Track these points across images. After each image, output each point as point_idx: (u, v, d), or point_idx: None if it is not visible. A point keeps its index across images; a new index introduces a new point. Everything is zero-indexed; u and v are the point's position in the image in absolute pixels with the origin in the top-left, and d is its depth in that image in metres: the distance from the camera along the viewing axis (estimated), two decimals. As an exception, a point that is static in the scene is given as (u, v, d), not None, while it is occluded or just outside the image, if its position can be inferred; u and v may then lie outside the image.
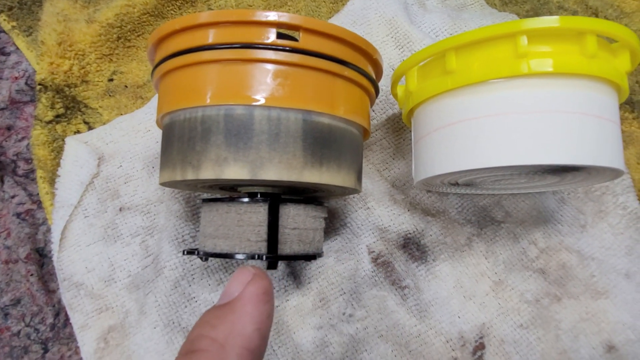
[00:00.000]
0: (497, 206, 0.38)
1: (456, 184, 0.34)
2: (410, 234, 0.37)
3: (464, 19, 0.43)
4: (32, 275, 0.37)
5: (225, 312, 0.20)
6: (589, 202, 0.38)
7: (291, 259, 0.28)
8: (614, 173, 0.29)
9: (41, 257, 0.38)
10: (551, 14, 0.45)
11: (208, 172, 0.25)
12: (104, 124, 0.41)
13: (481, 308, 0.35)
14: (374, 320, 0.35)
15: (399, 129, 0.40)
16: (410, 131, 0.40)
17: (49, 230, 0.39)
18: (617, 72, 0.27)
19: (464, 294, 0.36)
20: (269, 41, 0.25)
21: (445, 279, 0.36)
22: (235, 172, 0.25)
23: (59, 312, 0.37)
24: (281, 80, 0.25)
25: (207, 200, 0.29)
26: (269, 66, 0.25)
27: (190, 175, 0.26)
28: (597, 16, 0.45)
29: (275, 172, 0.25)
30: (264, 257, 0.27)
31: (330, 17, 0.45)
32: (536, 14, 0.46)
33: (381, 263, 0.36)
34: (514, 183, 0.34)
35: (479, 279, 0.36)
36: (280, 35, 0.26)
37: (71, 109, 0.41)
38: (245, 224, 0.27)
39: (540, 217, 0.37)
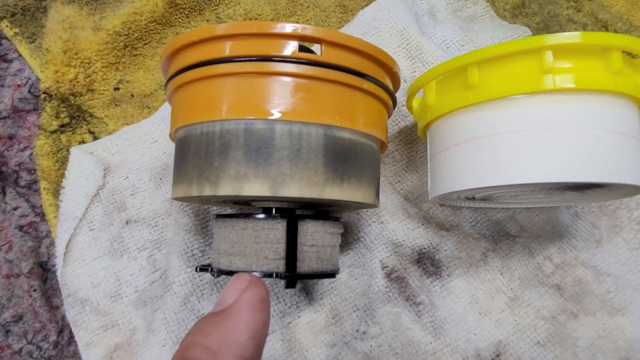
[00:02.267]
0: (512, 220, 0.37)
1: (472, 199, 0.34)
2: (424, 248, 0.36)
3: (475, 31, 0.43)
4: (34, 290, 0.36)
5: (220, 320, 0.19)
6: (603, 216, 0.37)
7: (310, 277, 0.27)
8: (635, 189, 0.28)
9: (44, 271, 0.37)
10: (561, 26, 0.45)
11: (227, 189, 0.24)
12: (110, 134, 0.40)
13: (497, 325, 0.34)
14: (388, 337, 0.34)
15: (412, 141, 0.39)
16: (424, 144, 0.39)
17: (52, 243, 0.37)
18: (640, 88, 0.27)
19: (479, 310, 0.35)
20: (290, 54, 0.24)
21: (461, 295, 0.35)
22: (255, 188, 0.24)
23: (63, 329, 0.36)
24: (303, 94, 0.25)
25: (221, 216, 0.29)
26: (291, 80, 0.25)
27: (207, 192, 0.25)
28: (606, 29, 0.45)
29: (296, 189, 0.24)
30: (282, 276, 0.26)
31: (340, 27, 0.44)
32: (546, 26, 0.46)
33: (395, 278, 0.36)
34: (532, 198, 0.33)
35: (495, 295, 0.35)
36: (302, 45, 0.25)
37: (76, 118, 0.40)
38: (263, 241, 0.27)
39: (555, 232, 0.37)
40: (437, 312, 0.35)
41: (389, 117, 0.32)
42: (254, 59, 0.24)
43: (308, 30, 0.24)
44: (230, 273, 0.27)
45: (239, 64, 0.25)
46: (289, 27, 0.24)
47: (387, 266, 0.36)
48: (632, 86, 0.26)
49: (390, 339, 0.34)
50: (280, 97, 0.24)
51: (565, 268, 0.36)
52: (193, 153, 0.26)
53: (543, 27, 0.45)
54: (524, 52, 0.26)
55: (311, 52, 0.28)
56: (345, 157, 0.26)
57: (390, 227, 0.36)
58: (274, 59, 0.24)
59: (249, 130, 0.24)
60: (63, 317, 0.36)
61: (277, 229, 0.27)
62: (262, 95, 0.24)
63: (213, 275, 0.29)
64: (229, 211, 0.37)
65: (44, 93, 0.39)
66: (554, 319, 0.34)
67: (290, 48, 0.24)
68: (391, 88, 0.30)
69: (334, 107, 0.25)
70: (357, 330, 0.34)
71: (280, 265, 0.26)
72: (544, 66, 0.25)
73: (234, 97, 0.25)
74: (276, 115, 0.24)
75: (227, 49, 0.25)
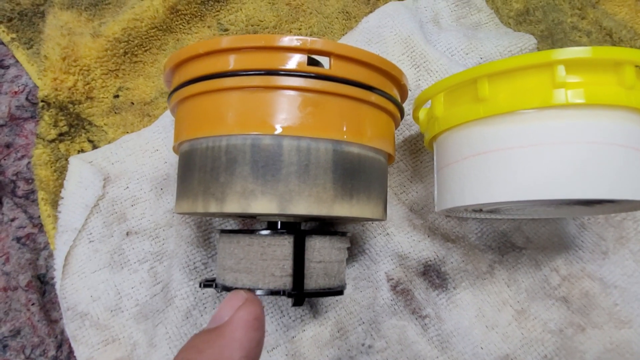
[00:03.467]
0: (518, 231, 0.37)
1: (480, 210, 0.33)
2: (430, 261, 0.36)
3: (480, 39, 0.43)
4: (32, 304, 0.35)
5: (214, 337, 0.19)
6: (609, 227, 0.37)
7: (318, 295, 0.27)
8: (646, 204, 0.28)
9: (43, 284, 0.36)
10: (565, 34, 0.45)
11: (233, 206, 0.24)
12: (110, 142, 0.39)
13: (504, 338, 0.34)
14: (394, 351, 0.33)
15: (417, 150, 0.39)
16: (429, 153, 0.39)
17: (51, 255, 0.37)
18: (652, 102, 0.26)
19: (486, 324, 0.34)
20: (297, 67, 0.24)
21: (467, 308, 0.35)
22: (263, 206, 0.23)
23: (62, 343, 0.35)
24: (311, 109, 0.24)
25: (225, 232, 0.28)
26: (298, 94, 0.24)
27: (213, 208, 0.24)
28: (611, 37, 0.45)
29: (305, 206, 0.24)
30: (290, 294, 0.25)
31: (343, 35, 0.44)
32: (550, 33, 0.45)
33: (400, 291, 0.35)
34: (539, 210, 0.33)
35: (501, 308, 0.35)
36: (310, 59, 0.25)
37: (75, 126, 0.39)
38: (269, 258, 0.26)
39: (561, 243, 0.37)
40: (443, 326, 0.34)
41: (396, 129, 0.32)
42: (261, 72, 0.24)
43: (317, 43, 0.24)
44: (236, 290, 0.27)
45: (245, 78, 0.24)
46: (296, 41, 0.24)
47: (393, 278, 0.35)
48: (644, 101, 0.26)
49: (396, 353, 0.33)
50: (287, 112, 0.24)
51: (572, 280, 0.35)
52: (198, 168, 0.25)
53: (547, 35, 0.45)
54: (535, 66, 0.26)
55: (318, 63, 0.27)
56: (354, 172, 0.25)
57: (396, 239, 0.36)
58: (282, 72, 0.24)
59: (256, 145, 0.24)
60: (62, 332, 0.35)
61: (284, 246, 0.26)
62: (269, 110, 0.24)
63: (218, 291, 0.28)
64: (231, 222, 0.36)
65: (42, 101, 0.38)
66: (561, 332, 0.34)
67: (298, 61, 0.24)
68: (399, 100, 0.30)
69: (343, 121, 0.25)
70: (363, 344, 0.34)
71: (287, 283, 0.26)
72: (555, 81, 0.25)
73: (240, 111, 0.24)
74: (284, 130, 0.24)
75: (233, 62, 0.24)
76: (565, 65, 0.25)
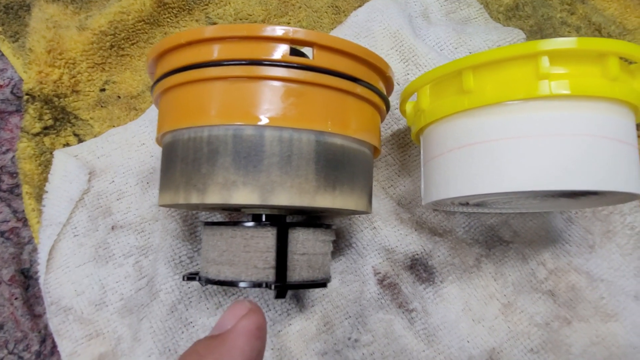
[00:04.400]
0: (505, 225, 0.37)
1: (466, 204, 0.33)
2: (417, 254, 0.36)
3: (469, 33, 0.42)
4: (16, 298, 0.35)
5: (216, 344, 0.19)
6: (596, 221, 0.37)
7: (301, 287, 0.26)
8: (630, 196, 0.28)
9: (26, 279, 0.36)
10: (555, 29, 0.45)
11: (215, 197, 0.23)
12: (96, 136, 0.38)
13: (490, 332, 0.34)
14: (380, 345, 0.33)
15: (405, 144, 0.39)
16: (417, 147, 0.39)
17: (35, 250, 0.36)
18: (636, 94, 0.26)
19: (472, 317, 0.34)
20: (281, 57, 0.24)
21: (454, 302, 0.35)
22: (244, 197, 0.23)
23: (46, 338, 0.34)
24: (294, 100, 0.24)
25: (209, 224, 0.28)
26: (281, 84, 0.24)
27: (195, 199, 0.24)
28: (600, 32, 0.45)
29: (286, 197, 0.23)
30: (272, 286, 0.25)
31: (332, 29, 0.43)
32: (540, 29, 0.45)
33: (387, 285, 0.35)
34: (526, 204, 0.33)
35: (488, 302, 0.35)
36: (293, 49, 0.24)
37: (60, 120, 0.38)
38: (252, 250, 0.26)
39: (549, 237, 0.37)
40: (430, 319, 0.34)
41: (382, 121, 0.32)
42: (244, 62, 0.24)
43: (300, 33, 0.24)
44: (219, 283, 0.26)
45: (227, 68, 0.24)
46: (279, 30, 0.23)
47: (380, 272, 0.35)
48: (628, 92, 0.26)
49: (383, 346, 0.33)
50: (270, 103, 0.24)
51: (559, 274, 0.35)
52: (180, 159, 0.25)
53: (537, 30, 0.45)
54: (519, 57, 0.25)
55: (303, 54, 0.27)
56: (338, 163, 0.25)
57: (383, 233, 0.36)
58: (264, 62, 0.24)
59: (237, 136, 0.24)
60: (46, 326, 0.34)
61: (267, 238, 0.26)
62: (252, 100, 0.24)
63: (201, 284, 0.28)
64: (218, 216, 0.36)
65: (27, 94, 0.37)
66: (548, 325, 0.34)
67: (281, 52, 0.24)
68: (385, 92, 0.29)
69: (326, 112, 0.25)
70: (349, 338, 0.34)
71: (270, 275, 0.26)
72: (539, 72, 0.25)
73: (222, 101, 0.24)
74: (266, 120, 0.23)
75: (216, 52, 0.24)
76: (549, 57, 0.25)
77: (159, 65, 0.27)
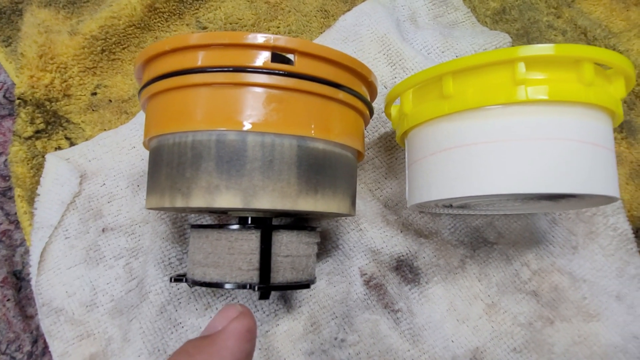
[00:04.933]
0: (490, 227, 0.38)
1: (450, 206, 0.34)
2: (403, 256, 0.36)
3: (456, 37, 0.43)
4: (8, 300, 0.35)
5: (206, 344, 0.20)
6: (580, 223, 0.38)
7: (284, 288, 0.27)
8: (608, 199, 0.28)
9: (18, 280, 0.36)
10: (541, 33, 0.46)
11: (198, 200, 0.24)
12: (87, 139, 0.39)
13: (475, 332, 0.35)
14: (366, 345, 0.34)
15: (392, 147, 0.39)
16: (403, 150, 0.39)
17: (27, 252, 0.37)
18: (612, 99, 0.27)
19: (457, 317, 0.35)
20: (262, 64, 0.24)
21: (439, 302, 0.35)
22: (227, 200, 0.24)
23: (37, 339, 0.35)
24: (275, 105, 0.24)
25: (196, 226, 0.28)
26: (263, 90, 0.24)
27: (179, 203, 0.25)
28: (585, 36, 0.46)
29: (269, 200, 0.24)
30: (256, 287, 0.26)
31: (321, 33, 0.44)
32: (526, 32, 0.46)
33: (373, 286, 0.36)
34: (508, 206, 0.33)
35: (472, 302, 0.35)
36: (275, 56, 0.25)
37: (52, 124, 0.39)
38: (237, 252, 0.26)
39: (533, 238, 0.37)
40: (415, 319, 0.35)
41: (366, 126, 0.32)
42: (227, 69, 0.24)
43: (281, 40, 0.24)
44: (205, 284, 0.27)
45: (211, 75, 0.24)
46: (261, 38, 0.24)
47: (366, 273, 0.36)
48: (604, 97, 0.26)
49: (369, 346, 0.34)
50: (252, 108, 0.24)
51: (542, 274, 0.36)
52: (165, 164, 0.26)
53: (523, 34, 0.46)
54: (497, 63, 0.26)
55: (289, 60, 0.28)
56: (319, 167, 0.26)
57: (369, 235, 0.36)
58: (247, 69, 0.24)
59: (220, 141, 0.24)
60: (37, 327, 0.35)
61: (251, 240, 0.27)
62: (235, 106, 0.24)
63: (189, 285, 0.29)
64: (207, 218, 0.37)
65: (19, 98, 0.38)
66: (531, 325, 0.35)
67: (263, 58, 0.24)
68: (368, 97, 0.30)
69: (308, 117, 0.25)
70: (336, 338, 0.34)
71: (254, 277, 0.26)
72: (516, 77, 0.25)
73: (206, 107, 0.24)
74: (248, 126, 0.24)
75: (200, 59, 0.25)
76: (526, 63, 0.26)
77: (145, 71, 0.28)
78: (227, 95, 0.24)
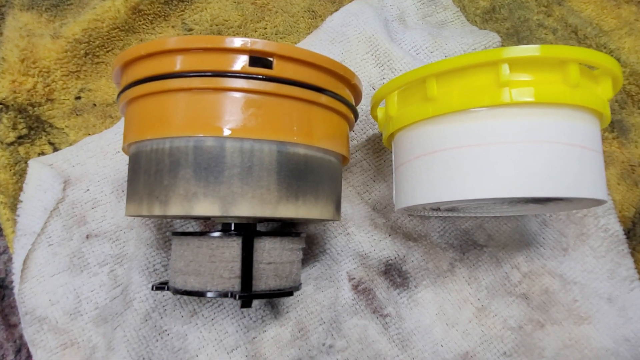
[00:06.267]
0: (480, 229, 0.37)
1: (438, 209, 0.33)
2: (391, 260, 0.36)
3: (445, 37, 0.43)
4: (-9, 308, 0.35)
5: None
6: (570, 224, 0.37)
7: (266, 296, 0.26)
8: (596, 202, 0.28)
9: (1, 288, 0.36)
10: (531, 32, 0.45)
11: (176, 208, 0.24)
12: (71, 144, 0.38)
13: (464, 336, 0.34)
14: (355, 350, 0.33)
15: (380, 149, 0.39)
16: (392, 153, 0.39)
17: (10, 259, 0.36)
18: (599, 100, 0.26)
19: (446, 322, 0.35)
20: (240, 69, 0.24)
21: (428, 306, 0.35)
22: (205, 208, 0.23)
23: (21, 348, 0.34)
24: (254, 110, 0.24)
25: (177, 234, 0.28)
26: (241, 95, 0.24)
27: (157, 211, 0.24)
28: (576, 34, 0.45)
29: (248, 207, 0.23)
30: (237, 296, 0.25)
31: (308, 34, 0.43)
32: (516, 31, 0.45)
33: (362, 290, 0.35)
34: (497, 208, 0.33)
35: (462, 306, 0.35)
36: (252, 60, 0.24)
37: (35, 129, 0.38)
38: (218, 260, 0.26)
39: (523, 240, 0.37)
40: (404, 324, 0.34)
41: (351, 129, 0.32)
42: (205, 74, 0.24)
43: (258, 44, 0.24)
44: (186, 293, 0.26)
45: (188, 80, 0.24)
46: (238, 42, 0.23)
47: (354, 278, 0.35)
48: (590, 99, 0.26)
49: (357, 352, 0.33)
50: (230, 114, 0.24)
51: (533, 277, 0.36)
52: (143, 171, 0.25)
53: (513, 33, 0.45)
54: (481, 64, 0.26)
55: (270, 64, 0.27)
56: (301, 173, 0.25)
57: (357, 239, 0.36)
58: (225, 74, 0.24)
59: (198, 147, 0.24)
60: (21, 336, 0.35)
61: (233, 247, 0.26)
62: (213, 112, 0.24)
63: (172, 293, 0.28)
64: (193, 224, 0.36)
65: (0, 104, 0.37)
66: (521, 329, 0.34)
67: (240, 63, 0.24)
68: (352, 100, 0.29)
69: (288, 122, 0.25)
70: (324, 344, 0.34)
71: (235, 285, 0.26)
72: (500, 79, 0.25)
73: (183, 113, 0.24)
74: (226, 132, 0.23)
75: (178, 63, 0.24)
76: (510, 64, 0.25)
77: (123, 76, 0.27)
78: (205, 101, 0.24)
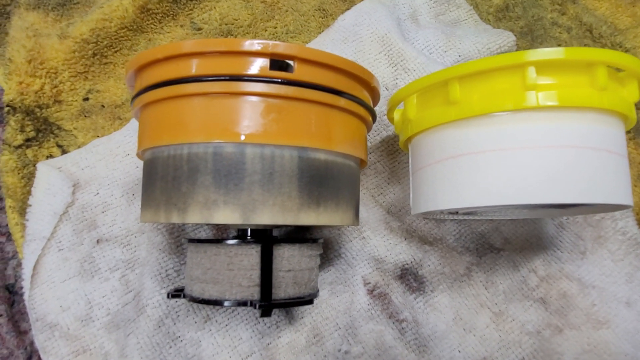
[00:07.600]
0: (496, 232, 0.37)
1: (456, 213, 0.33)
2: (407, 264, 0.35)
3: (458, 36, 0.42)
4: (1, 315, 0.34)
5: None
6: (587, 227, 0.37)
7: (287, 305, 0.26)
8: (619, 207, 0.27)
9: (11, 294, 0.35)
10: (545, 30, 0.45)
11: (195, 216, 0.23)
12: (79, 147, 0.38)
13: (482, 341, 0.34)
14: (371, 356, 0.33)
15: (394, 151, 0.38)
16: (406, 154, 0.38)
17: (19, 265, 0.36)
18: (626, 103, 0.26)
19: (463, 327, 0.34)
20: (260, 72, 0.23)
21: (444, 311, 0.34)
22: (225, 216, 0.23)
23: (32, 355, 0.34)
24: (274, 115, 0.23)
25: (193, 241, 0.27)
26: (261, 100, 0.23)
27: (175, 219, 0.23)
28: (591, 33, 0.44)
29: (269, 215, 0.23)
30: (257, 305, 0.25)
31: (319, 33, 0.43)
32: (530, 30, 0.45)
33: (377, 295, 0.35)
34: (516, 212, 0.32)
35: (479, 311, 0.35)
36: (273, 64, 0.24)
37: (43, 131, 0.38)
38: (236, 268, 0.25)
39: (540, 244, 0.36)
40: (420, 329, 0.34)
41: (368, 132, 0.31)
42: (223, 78, 0.23)
43: (280, 47, 0.23)
44: (203, 301, 0.26)
45: (206, 84, 0.23)
46: (258, 45, 0.23)
47: (370, 282, 0.35)
48: (617, 102, 0.25)
49: (373, 358, 0.33)
50: (250, 119, 0.23)
51: (550, 281, 0.35)
52: (160, 177, 0.25)
53: (527, 31, 0.44)
54: (506, 67, 0.25)
55: (288, 66, 0.27)
56: (322, 179, 0.25)
57: (372, 243, 0.35)
58: (244, 78, 0.23)
59: (218, 154, 0.23)
60: (31, 343, 0.34)
61: (251, 255, 0.26)
62: (232, 117, 0.23)
63: (187, 300, 0.28)
64: (205, 229, 0.35)
65: (8, 106, 0.37)
66: (539, 333, 0.34)
67: (260, 66, 0.23)
68: (370, 103, 0.29)
69: (309, 127, 0.24)
70: (339, 350, 0.33)
71: (254, 293, 0.25)
72: (527, 83, 0.24)
73: (201, 118, 0.23)
74: (247, 137, 0.23)
75: (194, 67, 0.24)
76: (536, 67, 0.24)
77: (137, 80, 0.27)
78: (224, 106, 0.23)
